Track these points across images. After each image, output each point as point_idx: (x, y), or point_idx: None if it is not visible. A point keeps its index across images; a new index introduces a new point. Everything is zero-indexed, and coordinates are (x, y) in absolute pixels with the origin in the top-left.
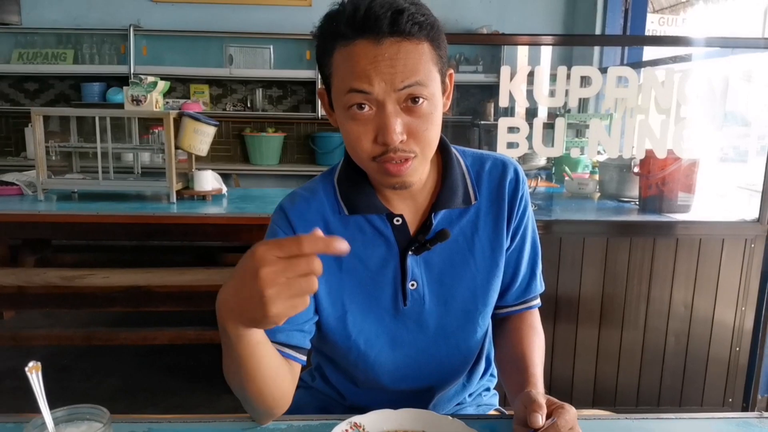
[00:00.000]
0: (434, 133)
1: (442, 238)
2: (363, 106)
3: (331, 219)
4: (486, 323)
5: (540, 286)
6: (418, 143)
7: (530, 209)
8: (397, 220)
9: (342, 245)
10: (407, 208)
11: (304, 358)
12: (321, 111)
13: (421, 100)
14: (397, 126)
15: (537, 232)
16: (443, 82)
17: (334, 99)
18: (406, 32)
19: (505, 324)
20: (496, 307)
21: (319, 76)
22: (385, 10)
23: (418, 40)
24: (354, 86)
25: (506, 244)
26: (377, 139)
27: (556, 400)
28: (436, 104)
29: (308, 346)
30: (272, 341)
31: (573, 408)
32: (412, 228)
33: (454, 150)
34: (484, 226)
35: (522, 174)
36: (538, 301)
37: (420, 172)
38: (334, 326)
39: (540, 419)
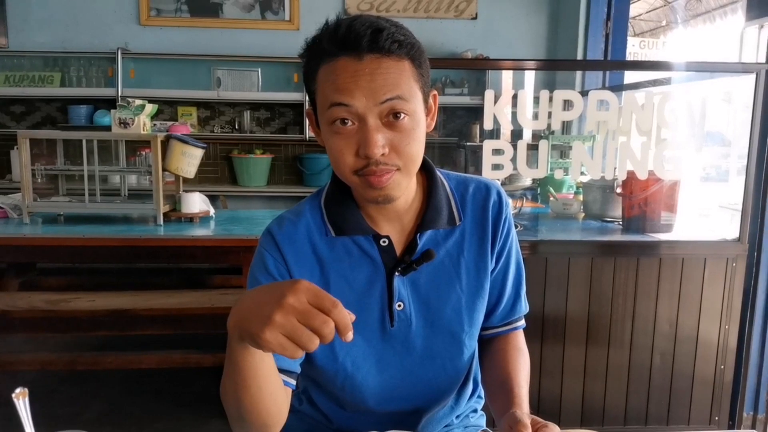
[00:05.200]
0: (416, 149)
1: (427, 259)
2: (346, 121)
3: (318, 241)
4: (473, 345)
5: (525, 306)
6: (400, 157)
7: (513, 231)
8: (384, 241)
9: (348, 337)
10: (393, 230)
11: (294, 383)
12: (308, 132)
13: (402, 115)
14: (379, 139)
15: (521, 254)
16: (426, 101)
17: (319, 116)
18: (386, 49)
19: (490, 345)
20: (482, 329)
21: (307, 98)
22: (365, 28)
23: (398, 57)
24: (335, 100)
25: (491, 265)
26: (359, 153)
27: (540, 419)
28: (418, 121)
29: (298, 370)
30: None
31: (557, 427)
32: (398, 249)
33: (439, 173)
34: (469, 247)
35: (505, 196)
36: (522, 322)
37: (403, 186)
38: (320, 349)
39: None
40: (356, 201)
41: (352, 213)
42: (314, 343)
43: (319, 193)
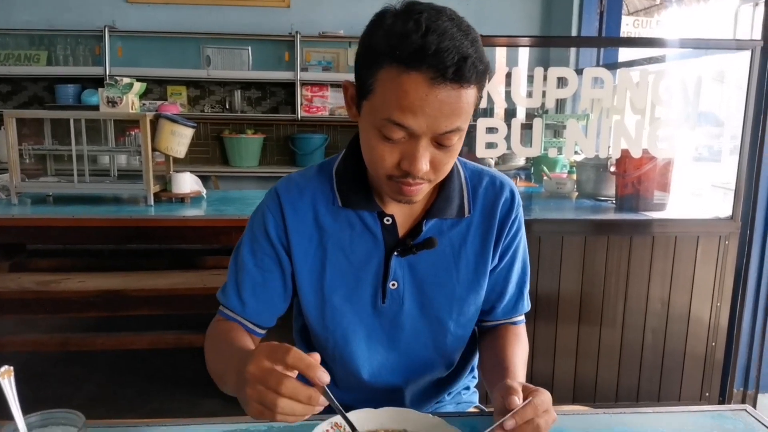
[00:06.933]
0: (452, 163)
1: (428, 246)
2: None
3: (322, 210)
4: (459, 331)
5: (527, 305)
6: (436, 172)
7: (522, 231)
8: (387, 220)
9: (324, 377)
10: (400, 211)
11: (265, 332)
12: (300, 112)
13: (455, 139)
14: (426, 160)
15: (527, 253)
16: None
17: (365, 108)
18: (464, 80)
19: (489, 333)
20: (483, 321)
21: (297, 75)
22: (452, 55)
23: (469, 87)
24: (396, 119)
25: (492, 262)
26: (401, 164)
27: (532, 386)
28: (463, 137)
29: (272, 323)
30: (241, 316)
31: (548, 393)
32: (401, 230)
33: (456, 160)
34: (473, 240)
35: (517, 196)
36: (523, 318)
37: (426, 192)
38: (313, 314)
39: (517, 400)
40: (369, 177)
41: (363, 188)
42: (279, 406)
43: (331, 161)
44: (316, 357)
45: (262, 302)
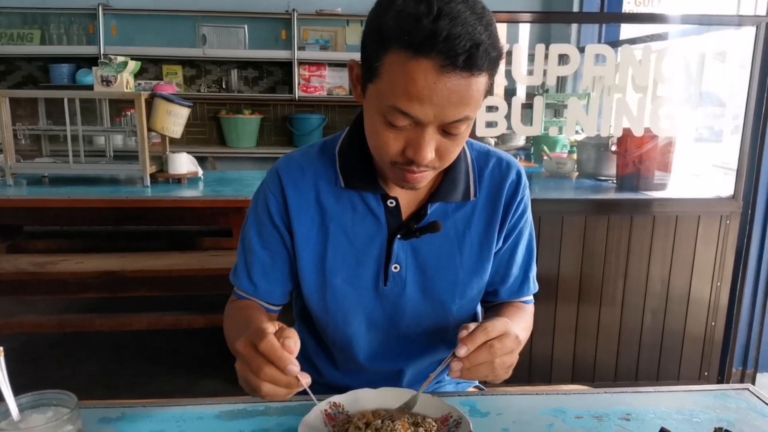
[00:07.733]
0: (459, 151)
1: (433, 230)
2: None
3: (324, 190)
4: (462, 315)
5: (533, 287)
6: (441, 160)
7: (528, 214)
8: (391, 203)
9: (293, 369)
10: (404, 193)
11: (279, 308)
12: (298, 92)
13: (462, 128)
14: (431, 148)
15: (534, 236)
16: None
17: (371, 91)
18: (476, 68)
19: (493, 308)
20: (488, 302)
21: (293, 52)
22: (464, 41)
23: (480, 74)
24: (402, 108)
25: (497, 245)
26: (406, 152)
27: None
28: (471, 125)
29: (287, 300)
30: (254, 296)
31: (506, 320)
32: (405, 213)
33: None
34: (477, 223)
35: (524, 178)
36: (530, 298)
37: (430, 179)
38: (314, 297)
39: (465, 332)
40: (373, 159)
41: (367, 169)
42: (262, 390)
43: (334, 140)
44: (291, 347)
45: (273, 282)
